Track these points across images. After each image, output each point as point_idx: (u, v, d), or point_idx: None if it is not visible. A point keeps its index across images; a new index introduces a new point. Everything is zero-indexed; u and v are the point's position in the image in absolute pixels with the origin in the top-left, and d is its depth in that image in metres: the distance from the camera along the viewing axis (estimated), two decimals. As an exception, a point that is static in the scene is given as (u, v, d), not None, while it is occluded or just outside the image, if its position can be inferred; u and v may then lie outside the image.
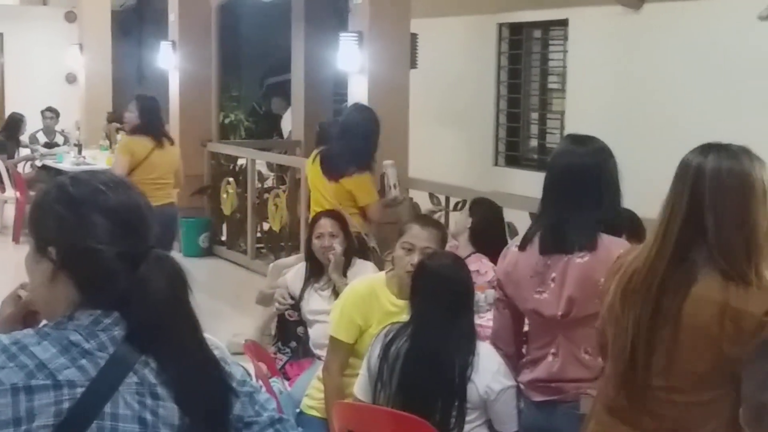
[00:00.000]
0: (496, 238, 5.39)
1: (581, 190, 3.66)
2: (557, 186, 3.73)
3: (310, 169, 6.91)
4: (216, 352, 1.98)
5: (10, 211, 12.63)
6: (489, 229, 5.47)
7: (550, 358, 3.68)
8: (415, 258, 4.24)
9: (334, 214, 5.61)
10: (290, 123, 13.60)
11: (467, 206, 5.91)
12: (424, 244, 4.31)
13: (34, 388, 1.73)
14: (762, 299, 2.65)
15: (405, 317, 4.10)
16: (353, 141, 6.91)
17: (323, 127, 7.14)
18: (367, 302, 4.39)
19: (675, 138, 7.72)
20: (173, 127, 11.77)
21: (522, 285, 3.72)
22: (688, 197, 2.76)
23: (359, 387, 4.03)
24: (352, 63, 8.11)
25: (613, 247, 3.52)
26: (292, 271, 5.63)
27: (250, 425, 1.96)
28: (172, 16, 11.67)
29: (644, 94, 8.47)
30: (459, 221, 5.61)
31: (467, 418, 3.79)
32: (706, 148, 2.79)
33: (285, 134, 13.86)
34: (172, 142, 8.74)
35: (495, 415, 3.85)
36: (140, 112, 8.70)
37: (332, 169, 6.88)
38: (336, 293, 4.93)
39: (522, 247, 3.84)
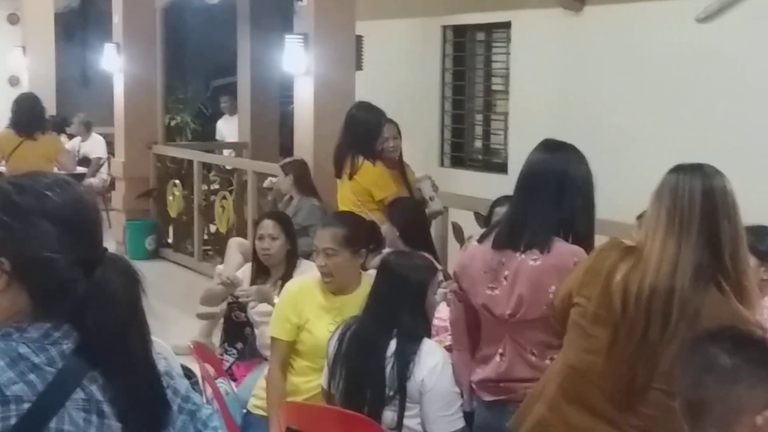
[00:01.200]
0: (424, 233, 5.53)
1: (543, 191, 3.68)
2: (522, 186, 3.76)
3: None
4: (162, 363, 1.96)
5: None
6: (416, 225, 5.58)
7: (497, 358, 3.70)
8: (321, 259, 4.36)
9: (278, 216, 5.62)
10: (227, 128, 13.65)
11: (386, 216, 5.85)
12: (325, 245, 4.36)
13: None
14: (739, 309, 2.84)
15: (347, 310, 4.24)
16: (357, 134, 6.82)
17: (354, 117, 7.09)
18: (299, 300, 4.42)
19: (616, 139, 7.86)
20: (118, 129, 11.92)
21: (476, 280, 3.74)
22: (700, 215, 2.89)
23: (324, 378, 4.08)
24: (297, 65, 8.14)
25: (567, 254, 3.57)
26: (239, 271, 5.61)
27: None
28: (116, 18, 11.63)
29: (586, 95, 8.53)
30: (386, 232, 5.57)
31: (409, 413, 3.84)
32: (689, 167, 2.99)
33: (220, 137, 13.87)
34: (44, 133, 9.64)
35: (422, 413, 3.87)
36: (12, 109, 9.53)
37: (340, 164, 6.86)
38: None
39: (480, 240, 3.91)
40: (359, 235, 4.54)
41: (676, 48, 7.93)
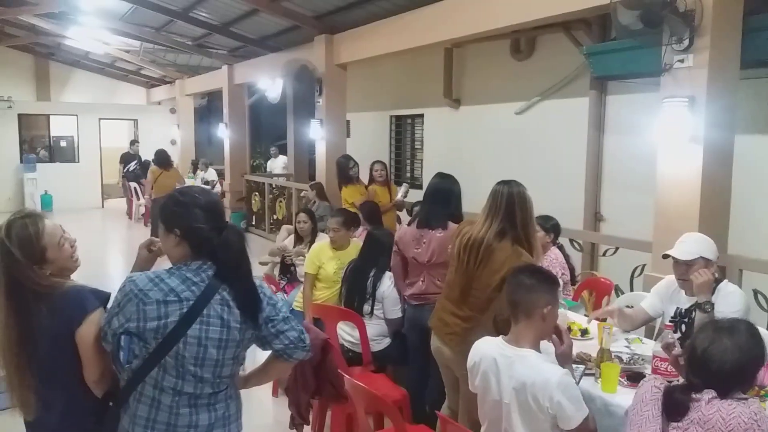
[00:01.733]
0: (377, 218, 5.35)
1: (441, 199, 3.65)
2: (429, 196, 3.71)
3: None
4: (257, 280, 1.92)
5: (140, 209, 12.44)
6: (373, 214, 5.33)
7: (419, 283, 3.66)
8: (330, 233, 4.28)
9: (308, 210, 5.37)
10: (273, 165, 13.39)
11: (359, 210, 5.55)
12: (333, 226, 4.28)
13: (168, 302, 1.75)
14: (527, 255, 2.78)
15: (343, 258, 4.17)
16: (340, 168, 6.61)
17: (339, 162, 7.04)
18: (319, 253, 4.32)
19: (474, 173, 7.79)
20: (227, 166, 11.79)
21: (408, 244, 3.67)
22: (505, 205, 2.84)
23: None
24: (317, 134, 8.14)
25: (454, 229, 3.35)
26: (287, 241, 5.48)
27: (273, 320, 1.88)
28: (226, 110, 11.57)
29: (461, 151, 8.40)
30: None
31: (376, 308, 3.80)
32: (505, 181, 2.92)
33: (270, 169, 13.59)
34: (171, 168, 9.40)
35: (385, 308, 3.81)
36: (156, 158, 9.38)
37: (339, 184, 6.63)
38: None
39: (409, 224, 3.89)
40: (349, 221, 4.45)
41: (506, 128, 7.84)
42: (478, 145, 8.29)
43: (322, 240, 4.66)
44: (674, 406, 1.83)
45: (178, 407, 1.79)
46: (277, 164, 13.23)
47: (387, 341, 3.85)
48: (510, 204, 2.84)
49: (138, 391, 1.80)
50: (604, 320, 2.83)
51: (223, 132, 11.63)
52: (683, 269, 2.82)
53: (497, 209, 2.86)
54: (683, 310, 2.90)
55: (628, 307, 3.93)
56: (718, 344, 1.82)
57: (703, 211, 3.78)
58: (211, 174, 12.64)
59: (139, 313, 1.74)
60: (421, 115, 9.64)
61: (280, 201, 10.16)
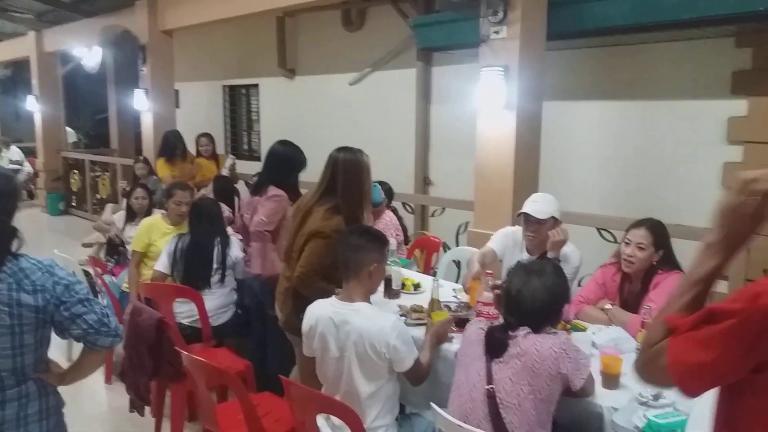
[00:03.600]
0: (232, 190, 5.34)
1: (276, 165, 3.59)
2: (266, 164, 3.68)
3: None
4: (45, 260, 1.71)
5: None
6: (227, 189, 5.24)
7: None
8: (183, 208, 4.06)
9: (145, 186, 5.12)
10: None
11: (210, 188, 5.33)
12: (186, 200, 4.10)
13: None
14: (338, 220, 2.72)
15: (177, 231, 3.98)
16: (166, 141, 6.33)
17: (167, 136, 6.55)
18: (150, 231, 4.14)
19: (313, 141, 7.95)
20: (39, 143, 10.78)
21: (244, 207, 3.70)
22: (330, 171, 2.80)
23: (161, 265, 3.75)
24: (142, 105, 7.69)
25: (276, 193, 3.52)
26: (117, 215, 5.22)
27: (65, 302, 1.67)
28: (35, 81, 10.52)
29: (297, 120, 8.30)
30: (210, 191, 5.18)
31: (228, 272, 3.72)
32: (340, 148, 2.85)
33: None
34: None
35: (237, 272, 3.77)
36: None
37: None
38: None
39: (251, 192, 3.81)
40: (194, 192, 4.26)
41: (341, 98, 7.88)
42: (314, 115, 8.29)
43: (155, 215, 4.44)
44: (496, 344, 1.98)
45: None
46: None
47: (233, 311, 3.79)
48: (334, 170, 2.80)
49: None
50: (478, 279, 2.90)
51: (33, 105, 10.54)
52: (535, 227, 2.93)
53: (324, 177, 2.85)
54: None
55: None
56: (528, 285, 1.99)
57: (517, 171, 4.13)
58: (14, 153, 11.18)
59: None
60: (256, 86, 9.44)
61: (103, 179, 9.59)
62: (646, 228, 2.67)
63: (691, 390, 1.04)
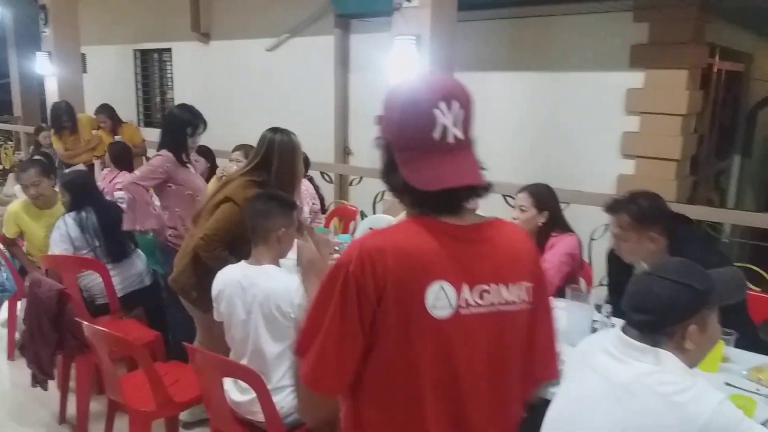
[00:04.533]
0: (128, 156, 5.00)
1: (167, 129, 3.41)
2: (162, 127, 3.51)
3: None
4: None
5: None
6: (122, 156, 4.84)
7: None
8: (32, 190, 3.75)
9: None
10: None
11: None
12: (34, 179, 3.74)
13: None
14: (253, 191, 2.62)
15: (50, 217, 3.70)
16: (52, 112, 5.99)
17: (53, 107, 6.14)
18: (17, 217, 3.82)
19: (229, 111, 7.75)
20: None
21: None
22: (264, 151, 2.76)
23: (57, 247, 3.41)
24: (46, 70, 7.23)
25: (161, 153, 3.35)
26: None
27: None
28: None
29: (215, 91, 8.14)
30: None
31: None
32: (275, 129, 2.81)
33: None
34: None
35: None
36: None
37: None
38: None
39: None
40: (47, 167, 3.89)
41: (258, 65, 7.77)
42: (230, 82, 8.12)
43: (17, 201, 4.05)
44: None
45: None
46: None
47: (150, 279, 3.68)
48: (269, 150, 2.78)
49: None
50: None
51: None
52: None
53: (257, 154, 2.82)
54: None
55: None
56: None
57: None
58: None
59: None
60: (169, 50, 9.13)
61: (6, 148, 9.05)
62: (527, 192, 2.81)
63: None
